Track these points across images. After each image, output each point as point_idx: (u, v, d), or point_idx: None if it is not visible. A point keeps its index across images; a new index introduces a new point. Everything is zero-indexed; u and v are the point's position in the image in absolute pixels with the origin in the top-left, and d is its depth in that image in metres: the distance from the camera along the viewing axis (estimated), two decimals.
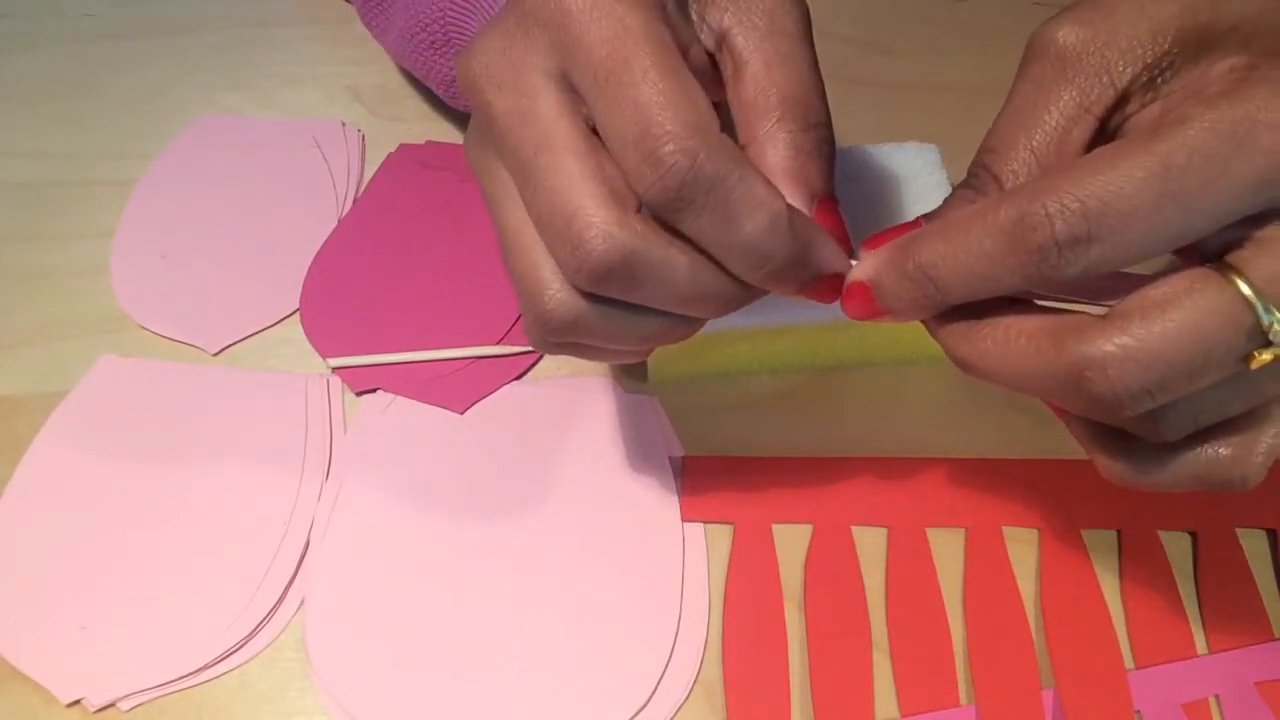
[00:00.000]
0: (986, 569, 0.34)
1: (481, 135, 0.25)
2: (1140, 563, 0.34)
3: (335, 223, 0.43)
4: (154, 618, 0.32)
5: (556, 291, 0.24)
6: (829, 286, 0.25)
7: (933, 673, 0.32)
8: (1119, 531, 0.35)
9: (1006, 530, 0.35)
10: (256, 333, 0.40)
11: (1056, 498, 0.35)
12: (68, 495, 0.35)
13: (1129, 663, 0.32)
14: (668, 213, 0.22)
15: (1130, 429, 0.23)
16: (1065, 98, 0.23)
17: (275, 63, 0.50)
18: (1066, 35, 0.23)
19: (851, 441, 0.37)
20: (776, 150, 0.24)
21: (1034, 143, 0.23)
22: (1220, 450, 0.23)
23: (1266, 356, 0.21)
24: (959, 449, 0.36)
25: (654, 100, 0.21)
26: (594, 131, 0.24)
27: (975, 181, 0.24)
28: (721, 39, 0.25)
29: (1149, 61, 0.23)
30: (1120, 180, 0.20)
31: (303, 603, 0.33)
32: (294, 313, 0.40)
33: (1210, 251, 0.22)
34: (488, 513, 0.35)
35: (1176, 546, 0.34)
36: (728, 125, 0.25)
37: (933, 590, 0.33)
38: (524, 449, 0.36)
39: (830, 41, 0.52)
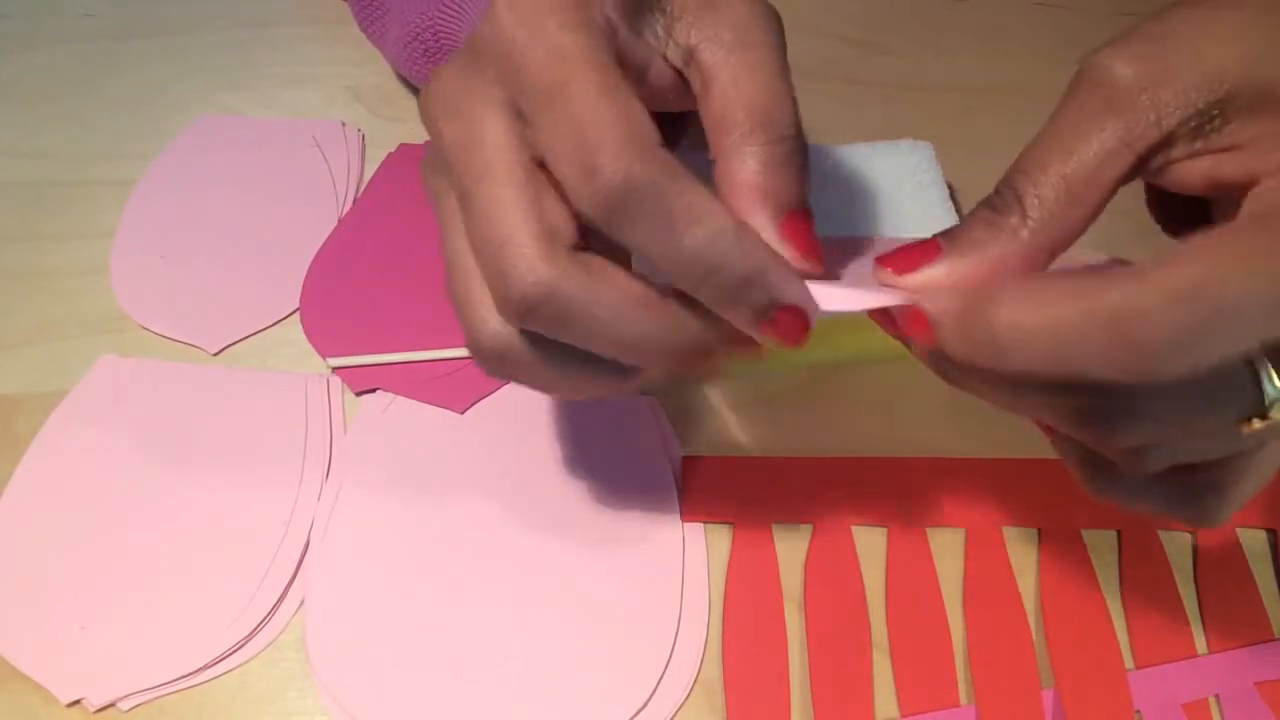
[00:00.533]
0: (986, 569, 0.34)
1: (436, 161, 0.26)
2: (1140, 563, 0.34)
3: (335, 223, 0.43)
4: (154, 618, 0.32)
5: (487, 321, 0.24)
6: (790, 321, 0.23)
7: (933, 673, 0.32)
8: (1119, 531, 0.35)
9: (1006, 530, 0.35)
10: (256, 333, 0.40)
11: (1056, 498, 0.35)
12: (68, 495, 0.35)
13: (1129, 663, 0.32)
14: (610, 228, 0.22)
15: (1113, 458, 0.24)
16: (1109, 131, 0.22)
17: (275, 63, 0.51)
18: (1122, 68, 0.22)
19: (851, 441, 0.37)
20: (743, 165, 0.24)
21: (1067, 170, 0.23)
22: (1192, 493, 0.24)
23: (1258, 425, 0.21)
24: (959, 449, 0.36)
25: (588, 115, 0.22)
26: (541, 167, 0.23)
27: (998, 202, 0.23)
28: (689, 55, 0.25)
29: (1200, 108, 0.22)
30: (1233, 274, 0.19)
31: (303, 603, 0.33)
32: (294, 313, 0.40)
33: None
34: (488, 513, 0.35)
35: (1176, 546, 0.34)
36: (702, 142, 0.25)
37: (933, 590, 0.33)
38: (524, 449, 0.36)
39: (830, 41, 0.52)
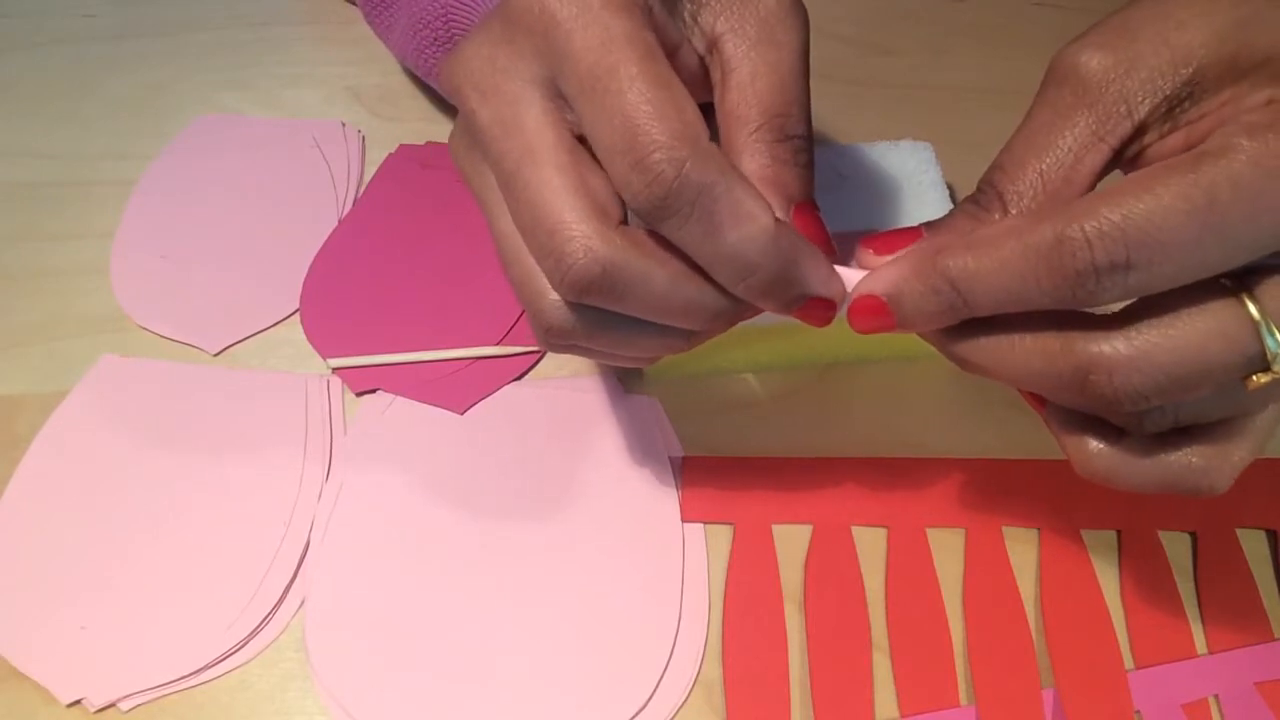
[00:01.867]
0: (986, 569, 0.34)
1: (468, 138, 0.25)
2: (1140, 563, 0.34)
3: (335, 223, 0.43)
4: (154, 618, 0.32)
5: (548, 298, 0.24)
6: (819, 310, 0.24)
7: (933, 673, 0.32)
8: (1119, 531, 0.35)
9: (1006, 530, 0.35)
10: (256, 333, 0.40)
11: (1056, 498, 0.35)
12: (68, 495, 0.35)
13: (1129, 663, 0.32)
14: (655, 220, 0.22)
15: (1112, 419, 0.24)
16: (1081, 125, 0.23)
17: (275, 63, 0.50)
18: (1089, 61, 0.23)
19: (851, 441, 0.37)
20: (752, 159, 0.24)
21: (1044, 166, 0.23)
22: (1194, 459, 0.24)
23: (1264, 379, 0.21)
24: (959, 449, 0.36)
25: (641, 108, 0.21)
26: (581, 140, 0.24)
27: (981, 198, 0.24)
28: (713, 44, 0.25)
29: (1169, 93, 0.22)
30: (1163, 209, 0.20)
31: (303, 603, 0.33)
32: (294, 313, 0.40)
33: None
34: (488, 513, 0.35)
35: (1176, 546, 0.34)
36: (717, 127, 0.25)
37: (933, 590, 0.33)
38: (524, 449, 0.36)
39: (830, 41, 0.52)
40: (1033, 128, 0.24)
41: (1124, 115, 0.23)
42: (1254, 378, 0.22)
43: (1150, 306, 0.22)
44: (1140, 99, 0.23)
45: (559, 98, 0.23)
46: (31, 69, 0.50)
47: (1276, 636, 0.33)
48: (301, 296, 0.41)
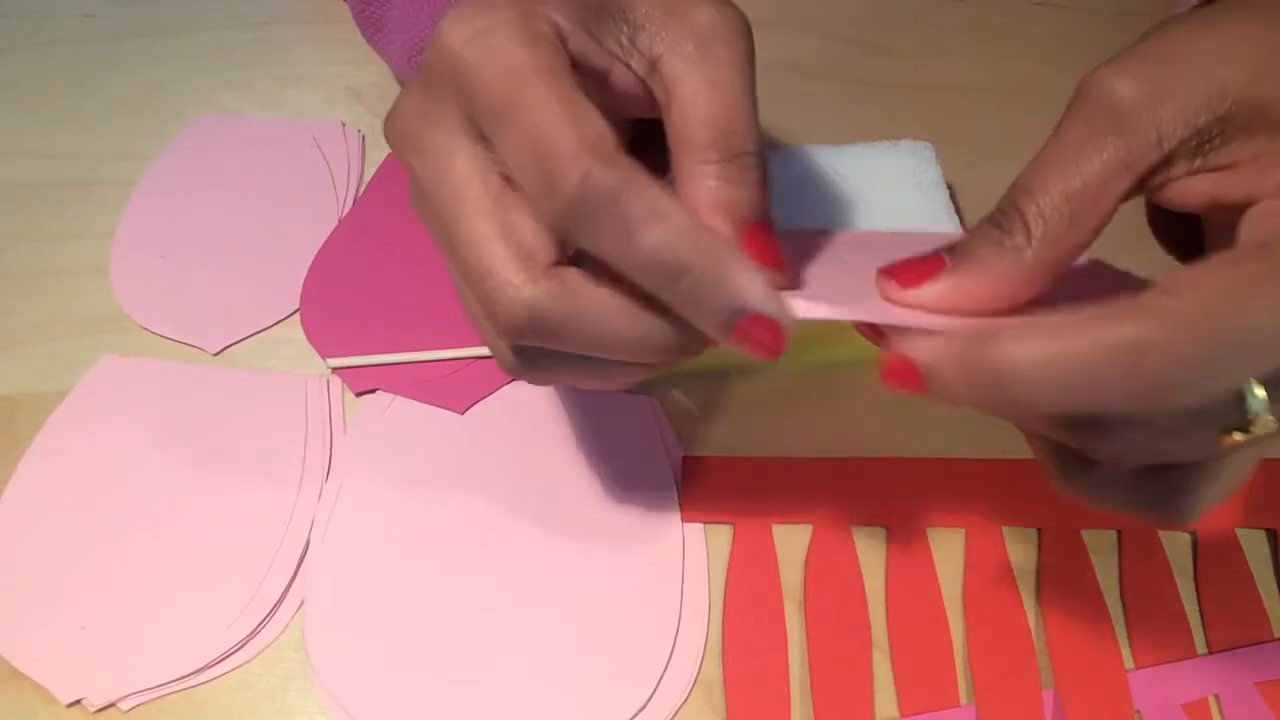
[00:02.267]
0: (986, 569, 0.34)
1: (417, 193, 0.26)
2: (1140, 563, 0.34)
3: (335, 223, 0.43)
4: (154, 618, 0.32)
5: (501, 340, 0.25)
6: (760, 330, 0.22)
7: (933, 673, 0.32)
8: (1119, 531, 0.35)
9: (1006, 530, 0.35)
10: (256, 333, 0.40)
11: (1056, 498, 0.35)
12: (68, 495, 0.35)
13: (1129, 663, 0.32)
14: (570, 235, 0.22)
15: (1090, 453, 0.24)
16: (1110, 151, 0.22)
17: (275, 63, 0.51)
18: (1123, 87, 0.22)
19: (851, 441, 0.37)
20: (701, 181, 0.24)
21: (1070, 189, 0.22)
22: (1163, 492, 0.24)
23: (1238, 438, 0.21)
24: (959, 449, 0.36)
25: (544, 125, 0.22)
26: (510, 181, 0.24)
27: (1002, 220, 0.23)
28: (653, 65, 0.25)
29: (1201, 125, 0.22)
30: (1244, 298, 0.19)
31: (303, 603, 0.33)
32: (294, 313, 0.40)
33: None
34: (488, 513, 0.35)
35: (1176, 546, 0.34)
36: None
37: (933, 590, 0.33)
38: (524, 449, 0.36)
39: (830, 41, 0.52)
40: (1060, 150, 0.23)
41: (1154, 144, 0.22)
42: (1232, 435, 0.21)
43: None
44: (1173, 129, 0.22)
45: (483, 140, 0.23)
46: (31, 69, 0.50)
47: (1276, 636, 0.33)
48: (301, 296, 0.41)
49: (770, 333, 0.22)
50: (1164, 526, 0.24)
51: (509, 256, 0.23)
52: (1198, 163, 0.22)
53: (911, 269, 0.23)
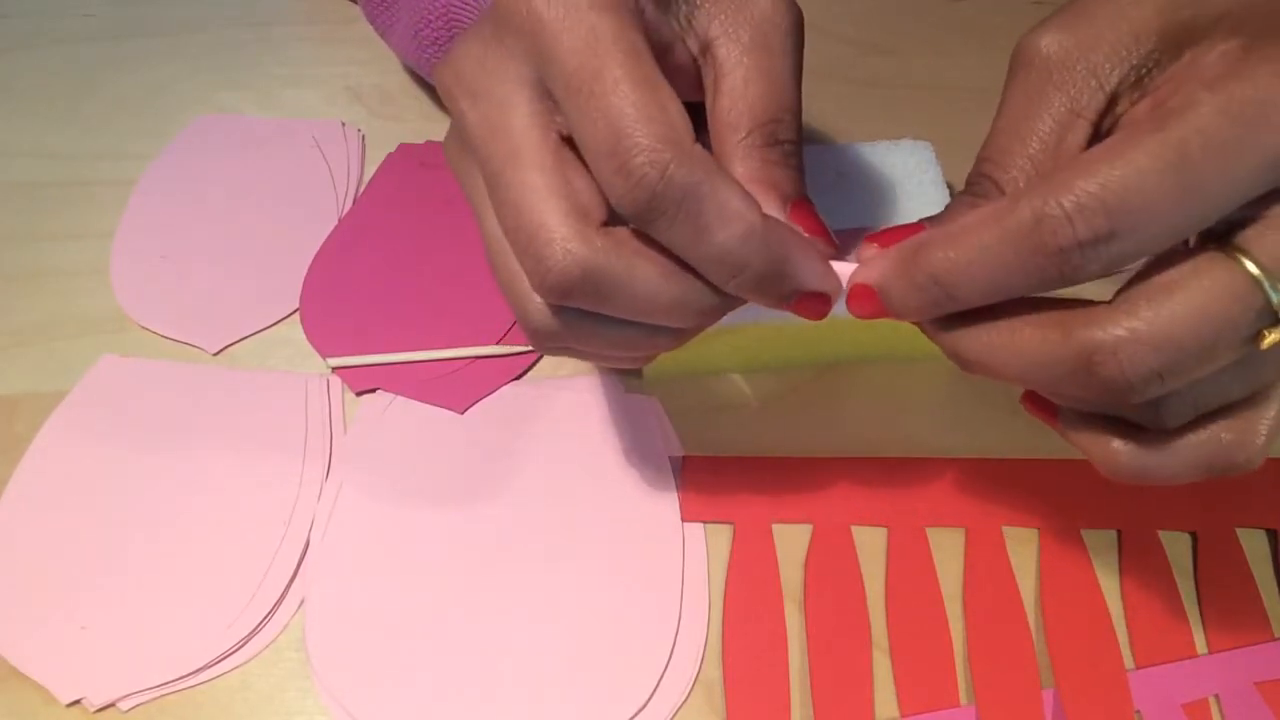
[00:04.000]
0: (986, 569, 0.34)
1: (459, 140, 0.26)
2: (1140, 563, 0.34)
3: (335, 223, 0.43)
4: (154, 618, 0.32)
5: (533, 300, 0.24)
6: (814, 303, 0.24)
7: (933, 673, 0.32)
8: (1119, 531, 0.35)
9: (1006, 530, 0.35)
10: (256, 333, 0.40)
11: (1056, 498, 0.35)
12: (68, 495, 0.35)
13: (1129, 663, 0.32)
14: (643, 223, 0.22)
15: (1131, 418, 0.24)
16: (1056, 104, 0.23)
17: (275, 63, 0.50)
18: (1049, 43, 0.23)
19: (851, 441, 0.37)
20: (744, 164, 0.24)
21: (1031, 150, 0.23)
22: (1224, 435, 0.23)
23: (1276, 336, 0.21)
24: (959, 449, 0.36)
25: (625, 111, 0.21)
26: (568, 141, 0.24)
27: (977, 188, 0.24)
28: (706, 46, 0.25)
29: (1134, 62, 0.23)
30: (1136, 172, 0.20)
31: (303, 603, 0.33)
32: (294, 313, 0.40)
33: (1213, 231, 0.21)
34: (487, 513, 0.35)
35: (1176, 546, 0.34)
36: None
37: (933, 590, 0.33)
38: (524, 449, 0.36)
39: (830, 41, 0.52)
40: (1011, 115, 0.24)
41: (1096, 88, 0.23)
42: (1265, 334, 0.21)
43: (1143, 281, 0.21)
44: (1108, 70, 0.23)
45: (548, 99, 0.23)
46: (31, 69, 0.50)
47: (1276, 636, 0.33)
48: (301, 296, 0.41)
49: (821, 302, 0.24)
50: (1234, 472, 0.24)
51: (565, 211, 0.23)
52: (1137, 94, 0.23)
53: (892, 234, 0.25)
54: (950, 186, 0.39)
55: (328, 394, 0.38)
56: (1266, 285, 0.20)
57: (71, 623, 0.32)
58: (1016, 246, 0.21)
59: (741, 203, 0.22)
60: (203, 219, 0.43)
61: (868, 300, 0.24)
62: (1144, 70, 0.23)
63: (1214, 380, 0.22)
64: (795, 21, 0.25)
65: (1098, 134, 0.23)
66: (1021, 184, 0.23)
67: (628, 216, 0.23)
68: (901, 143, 0.40)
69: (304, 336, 0.40)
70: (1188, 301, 0.21)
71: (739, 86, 0.24)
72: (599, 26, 0.22)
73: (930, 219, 0.25)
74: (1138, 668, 0.32)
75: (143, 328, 0.40)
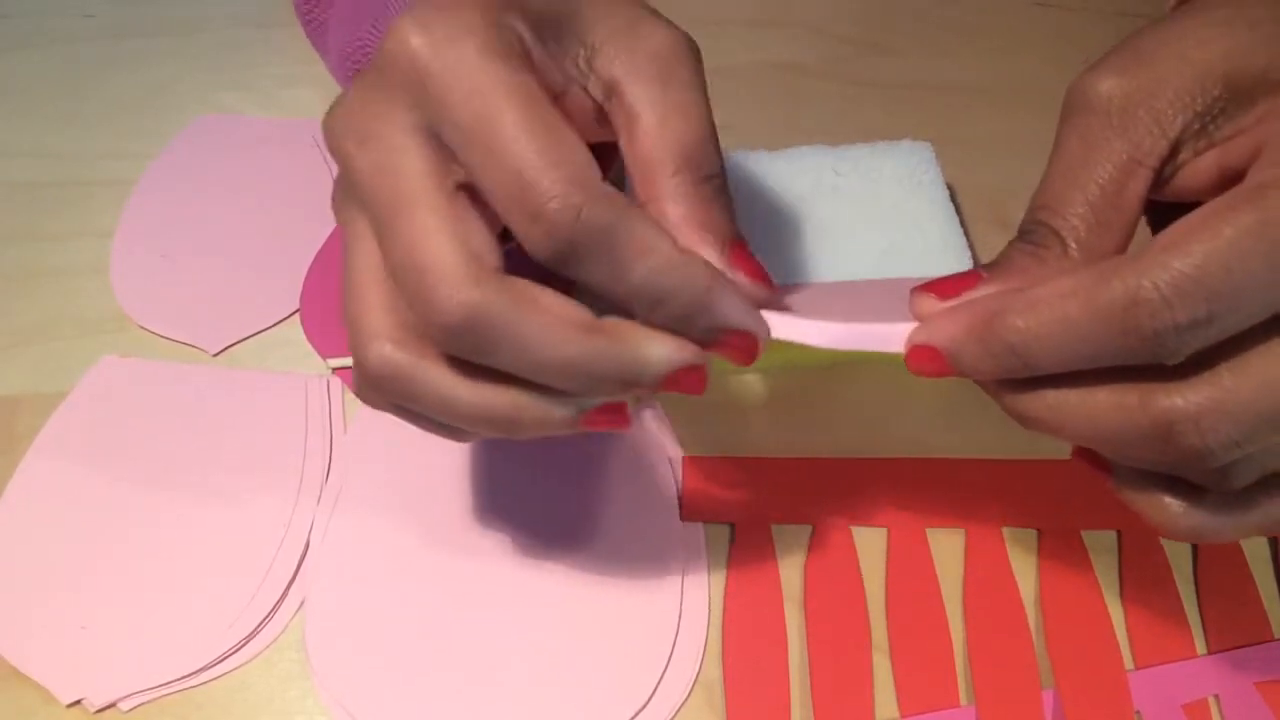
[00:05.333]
0: (986, 569, 0.34)
1: (344, 188, 0.25)
2: (1140, 563, 0.34)
3: (335, 222, 0.43)
4: (154, 618, 0.32)
5: (374, 342, 0.23)
6: (740, 342, 0.24)
7: (933, 673, 0.32)
8: (1119, 531, 0.35)
9: (1006, 530, 0.35)
10: (256, 333, 0.40)
11: (1056, 498, 0.35)
12: (68, 495, 0.35)
13: (1129, 663, 0.32)
14: (559, 266, 0.22)
15: (1198, 481, 0.23)
16: (1117, 150, 0.22)
17: (275, 63, 0.51)
18: (1110, 87, 0.23)
19: (851, 441, 0.37)
20: (677, 204, 0.24)
21: (1090, 197, 0.23)
22: None
23: None
24: (959, 449, 0.36)
25: (529, 159, 0.21)
26: (464, 189, 0.23)
27: (1034, 237, 0.23)
28: (612, 89, 0.24)
29: (1199, 109, 0.22)
30: (1236, 253, 0.19)
31: (303, 603, 0.33)
32: (294, 313, 0.40)
33: None
34: (487, 513, 0.35)
35: (1176, 547, 0.34)
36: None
37: (933, 590, 0.33)
38: (523, 450, 0.36)
39: (830, 41, 0.52)
40: (1067, 161, 0.23)
41: (1159, 135, 0.22)
42: None
43: (1220, 346, 0.21)
44: (1172, 116, 0.22)
45: (442, 147, 0.23)
46: (31, 69, 0.50)
47: (1276, 636, 0.33)
48: (301, 296, 0.41)
49: (746, 342, 0.24)
50: None
51: (457, 252, 0.22)
52: (1203, 143, 0.23)
53: (949, 284, 0.24)
54: (950, 187, 0.39)
55: (328, 394, 0.38)
56: None
57: (71, 623, 0.32)
58: (1107, 326, 0.20)
59: (657, 236, 0.22)
60: (203, 219, 0.43)
61: (932, 361, 0.23)
62: (1209, 118, 0.22)
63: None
64: (695, 52, 0.25)
65: (1158, 182, 0.23)
66: (1083, 233, 0.23)
67: (544, 261, 0.22)
68: (901, 143, 0.40)
69: (304, 336, 0.40)
70: (1271, 371, 0.20)
71: (655, 126, 0.24)
72: (487, 73, 0.22)
73: (987, 268, 0.24)
74: (1138, 668, 0.32)
75: (143, 328, 0.40)
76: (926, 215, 0.38)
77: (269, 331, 0.40)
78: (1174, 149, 0.22)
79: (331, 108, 0.25)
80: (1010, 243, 0.24)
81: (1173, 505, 0.24)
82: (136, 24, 0.52)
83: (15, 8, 0.53)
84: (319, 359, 0.39)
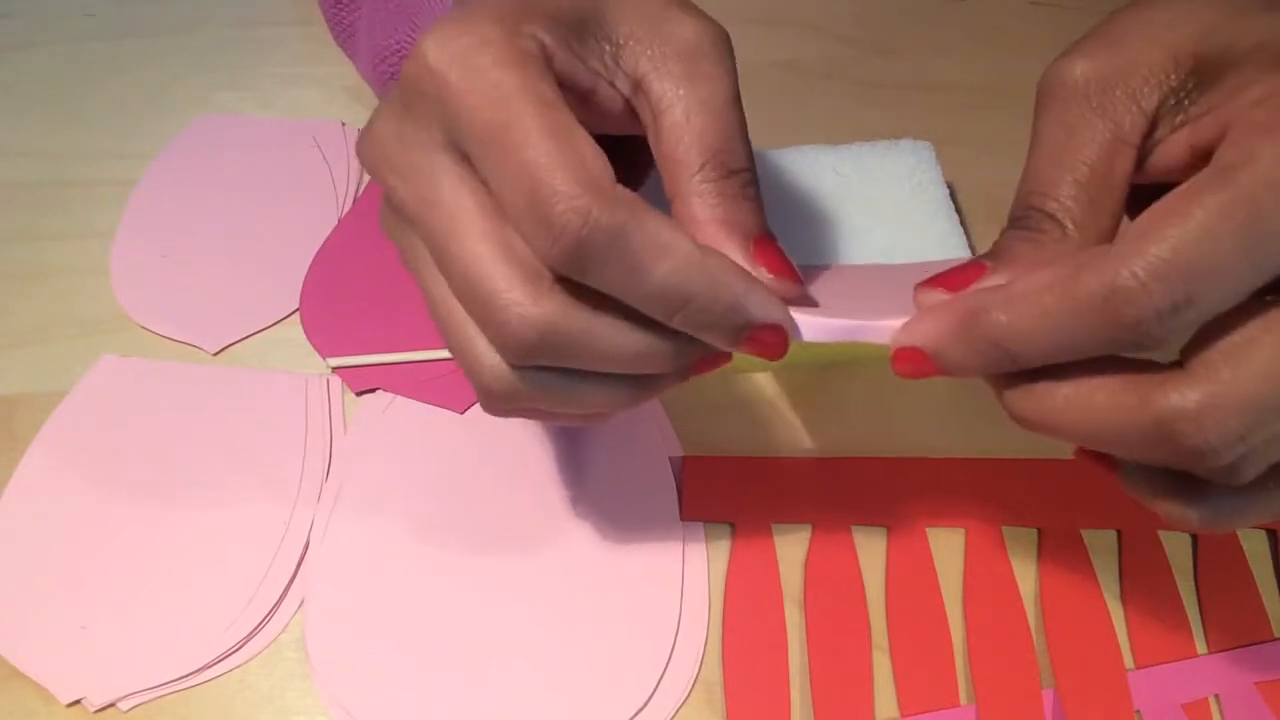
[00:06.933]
0: (986, 569, 0.34)
1: (394, 214, 0.25)
2: (1140, 563, 0.34)
3: (335, 222, 0.43)
4: (154, 618, 0.32)
5: (493, 365, 0.24)
6: (768, 337, 0.23)
7: (933, 673, 0.32)
8: (1119, 531, 0.35)
9: (1006, 530, 0.35)
10: (256, 333, 0.40)
11: (1056, 498, 0.35)
12: (68, 495, 0.35)
13: (1129, 663, 0.32)
14: (575, 273, 0.22)
15: (1203, 475, 0.23)
16: (1100, 131, 0.23)
17: (275, 63, 0.50)
18: (1084, 70, 0.23)
19: (851, 441, 0.37)
20: (703, 201, 0.24)
21: (1080, 178, 0.23)
22: None
23: None
24: (959, 449, 0.36)
25: (538, 162, 0.21)
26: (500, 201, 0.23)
27: (1029, 223, 0.23)
28: (638, 85, 0.24)
29: (1173, 85, 0.22)
30: (1208, 234, 0.19)
31: (303, 603, 0.33)
32: (294, 313, 0.40)
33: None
34: (487, 513, 0.35)
35: (1176, 546, 0.34)
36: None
37: (933, 590, 0.33)
38: (523, 449, 0.36)
39: (830, 41, 0.52)
40: (1051, 146, 0.23)
41: (1138, 113, 0.22)
42: None
43: (1213, 340, 0.21)
44: (1148, 94, 0.22)
45: (466, 162, 0.23)
46: (31, 69, 0.50)
47: (1276, 636, 0.33)
48: (301, 296, 0.41)
49: (776, 335, 0.23)
50: None
51: (514, 276, 0.22)
52: (1178, 119, 0.23)
53: (956, 276, 0.24)
54: (950, 187, 0.39)
55: (328, 394, 0.38)
56: None
57: (71, 623, 0.32)
58: (1090, 316, 0.20)
59: (672, 235, 0.22)
60: (203, 219, 0.43)
61: (919, 362, 0.23)
62: (1183, 93, 0.22)
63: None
64: (724, 43, 0.25)
65: (1140, 160, 0.23)
66: (1078, 214, 0.23)
67: (559, 270, 0.22)
68: (901, 143, 0.40)
69: (304, 336, 0.40)
70: (1267, 359, 0.20)
71: (681, 121, 0.24)
72: (504, 82, 0.22)
73: (986, 256, 0.24)
74: (1138, 668, 0.32)
75: (143, 328, 0.40)
76: (926, 215, 0.38)
77: (269, 331, 0.40)
78: (1152, 126, 0.23)
79: (363, 134, 0.25)
80: (1004, 231, 0.24)
81: (1181, 500, 0.23)
82: (137, 24, 0.52)
83: (16, 7, 0.53)
84: (319, 358, 0.39)
